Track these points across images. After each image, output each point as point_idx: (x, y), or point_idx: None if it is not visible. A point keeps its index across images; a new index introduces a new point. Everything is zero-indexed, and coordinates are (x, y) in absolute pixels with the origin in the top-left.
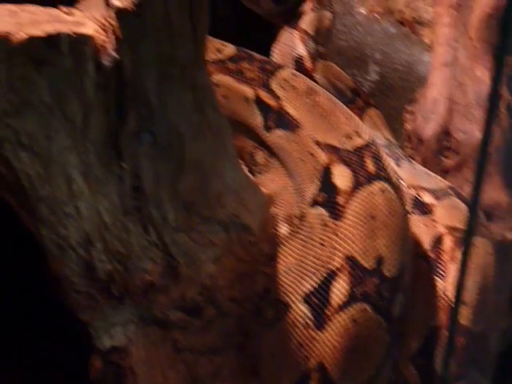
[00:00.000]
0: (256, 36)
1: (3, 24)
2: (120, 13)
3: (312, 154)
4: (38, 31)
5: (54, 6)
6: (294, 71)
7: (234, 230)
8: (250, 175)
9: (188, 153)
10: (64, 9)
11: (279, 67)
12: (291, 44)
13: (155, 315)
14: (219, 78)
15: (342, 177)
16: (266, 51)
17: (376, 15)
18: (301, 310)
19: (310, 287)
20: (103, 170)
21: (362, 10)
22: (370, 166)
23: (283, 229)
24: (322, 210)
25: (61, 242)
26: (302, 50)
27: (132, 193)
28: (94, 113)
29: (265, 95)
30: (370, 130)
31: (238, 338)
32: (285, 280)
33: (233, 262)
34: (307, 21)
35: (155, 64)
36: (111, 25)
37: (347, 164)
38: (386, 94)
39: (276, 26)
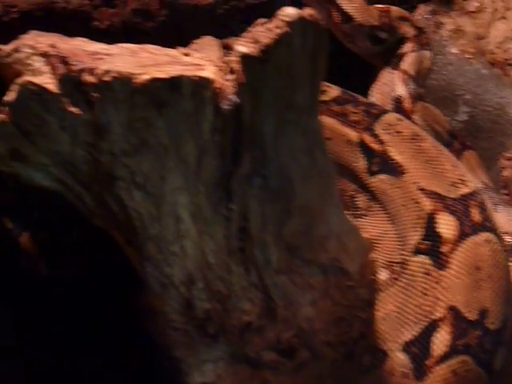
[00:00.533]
0: (353, 75)
1: (126, 64)
2: (245, 59)
3: (416, 201)
4: (161, 73)
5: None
6: (399, 116)
7: (333, 273)
8: (351, 219)
9: (296, 197)
10: (182, 49)
11: (384, 111)
12: (391, 84)
13: (248, 354)
14: (323, 119)
15: (446, 226)
16: (360, 89)
17: (467, 55)
18: (400, 359)
19: (410, 336)
20: (211, 211)
21: (454, 50)
22: (476, 215)
23: (383, 275)
24: (425, 259)
25: (164, 279)
26: (402, 90)
27: (238, 234)
28: (209, 155)
29: (369, 139)
30: (473, 177)
31: (330, 383)
32: (383, 327)
33: (329, 306)
34: (408, 61)
35: (274, 109)
36: (232, 69)
37: (452, 213)
38: (475, 135)
39: (373, 66)
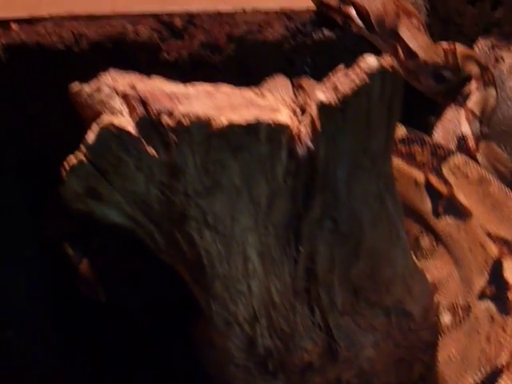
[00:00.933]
0: (416, 112)
1: (203, 107)
2: (323, 107)
3: (482, 245)
4: (238, 117)
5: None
6: (466, 158)
7: (395, 315)
8: (416, 261)
9: (365, 240)
10: (256, 90)
11: (451, 153)
12: (456, 123)
13: None
14: None
15: None
16: (424, 127)
17: None
18: None
19: (472, 382)
20: (279, 252)
21: None
22: None
23: (446, 318)
24: (490, 304)
25: (229, 317)
26: (467, 129)
27: (304, 275)
28: (280, 197)
29: (435, 180)
30: None
31: None
32: (444, 370)
33: (391, 347)
34: (473, 100)
35: (349, 155)
36: (307, 113)
37: None
38: None
39: (437, 103)
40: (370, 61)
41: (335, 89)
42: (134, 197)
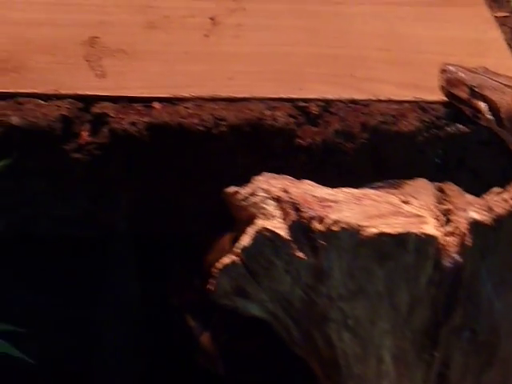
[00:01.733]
0: None
1: (352, 214)
2: (476, 224)
3: None
4: (387, 227)
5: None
6: None
7: None
8: None
9: (500, 349)
10: (400, 195)
11: None
12: None
13: None
14: None
15: None
16: None
17: None
18: None
19: None
20: (414, 356)
21: None
22: None
23: None
24: None
25: None
26: None
27: (436, 379)
28: (421, 305)
29: None
30: None
31: None
32: None
33: None
34: None
35: (496, 271)
36: (458, 228)
37: None
38: None
39: None
40: None
41: (490, 209)
42: (277, 296)
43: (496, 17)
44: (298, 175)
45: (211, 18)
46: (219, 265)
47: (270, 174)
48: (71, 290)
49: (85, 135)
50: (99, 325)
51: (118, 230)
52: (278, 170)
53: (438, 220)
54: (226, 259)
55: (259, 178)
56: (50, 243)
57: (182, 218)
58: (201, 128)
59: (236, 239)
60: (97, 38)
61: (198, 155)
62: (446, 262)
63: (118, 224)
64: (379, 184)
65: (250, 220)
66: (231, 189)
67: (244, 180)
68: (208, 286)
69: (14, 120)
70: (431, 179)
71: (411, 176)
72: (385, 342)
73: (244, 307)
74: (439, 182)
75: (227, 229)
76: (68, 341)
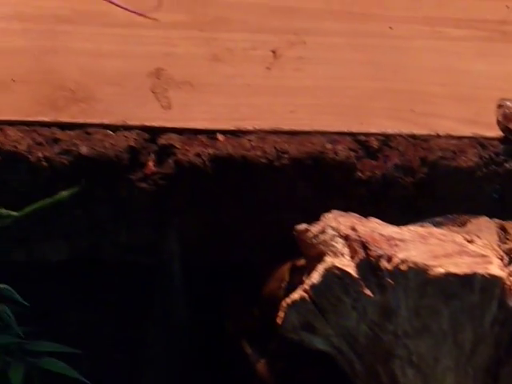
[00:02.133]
0: None
1: (419, 253)
2: None
3: None
4: (454, 267)
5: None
6: None
7: None
8: None
9: None
10: (464, 234)
11: None
12: None
13: None
14: None
15: None
16: None
17: None
18: None
19: None
20: None
21: None
22: None
23: None
24: None
25: None
26: None
27: None
28: (484, 343)
29: None
30: None
31: None
32: None
33: None
34: None
35: None
36: None
37: None
38: None
39: None
40: None
41: None
42: (343, 331)
43: None
44: (358, 209)
45: (273, 51)
46: (288, 300)
47: (337, 211)
48: (130, 313)
49: (151, 165)
50: (154, 349)
51: (179, 257)
52: (339, 202)
53: (501, 260)
54: (295, 295)
55: (328, 215)
56: (111, 268)
57: (240, 247)
58: (263, 160)
59: (294, 269)
60: (163, 69)
61: (259, 187)
62: (510, 302)
63: (179, 251)
64: (438, 219)
65: (319, 257)
66: (302, 226)
67: (303, 211)
68: (276, 320)
69: (83, 150)
70: (489, 214)
71: (469, 211)
72: (447, 378)
73: (310, 341)
74: (497, 217)
75: (285, 258)
76: (123, 362)
